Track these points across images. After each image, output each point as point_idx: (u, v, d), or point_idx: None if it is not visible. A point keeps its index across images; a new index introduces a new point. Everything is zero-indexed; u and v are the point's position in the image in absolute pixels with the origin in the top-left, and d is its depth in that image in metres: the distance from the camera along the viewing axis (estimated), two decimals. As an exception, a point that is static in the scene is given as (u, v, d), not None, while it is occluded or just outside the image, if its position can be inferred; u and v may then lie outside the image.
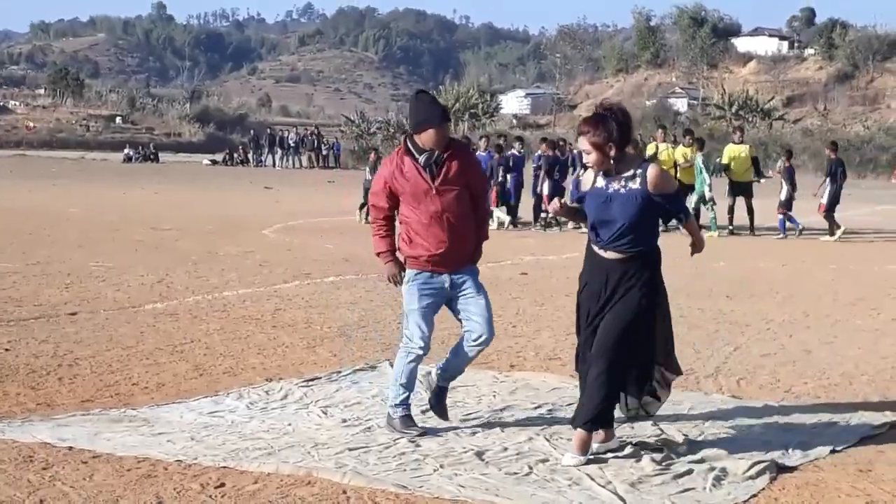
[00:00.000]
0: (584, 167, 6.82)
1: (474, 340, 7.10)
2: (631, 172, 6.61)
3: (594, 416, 6.54)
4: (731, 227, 23.74)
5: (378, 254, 7.25)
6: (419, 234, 7.02)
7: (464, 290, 7.08)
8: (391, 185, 7.05)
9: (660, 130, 27.20)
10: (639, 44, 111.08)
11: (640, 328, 6.58)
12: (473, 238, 7.15)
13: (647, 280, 6.61)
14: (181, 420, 7.33)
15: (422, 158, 6.98)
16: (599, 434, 6.70)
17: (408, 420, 7.13)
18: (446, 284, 7.07)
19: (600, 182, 6.70)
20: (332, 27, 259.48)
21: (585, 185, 6.83)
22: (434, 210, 6.95)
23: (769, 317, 12.36)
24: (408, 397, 7.17)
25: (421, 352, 7.10)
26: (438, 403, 7.35)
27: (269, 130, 71.41)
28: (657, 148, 25.04)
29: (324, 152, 66.36)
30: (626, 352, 6.54)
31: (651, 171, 6.62)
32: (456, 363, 7.25)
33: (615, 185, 6.62)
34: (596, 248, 6.71)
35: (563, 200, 7.05)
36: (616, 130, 6.56)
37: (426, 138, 6.96)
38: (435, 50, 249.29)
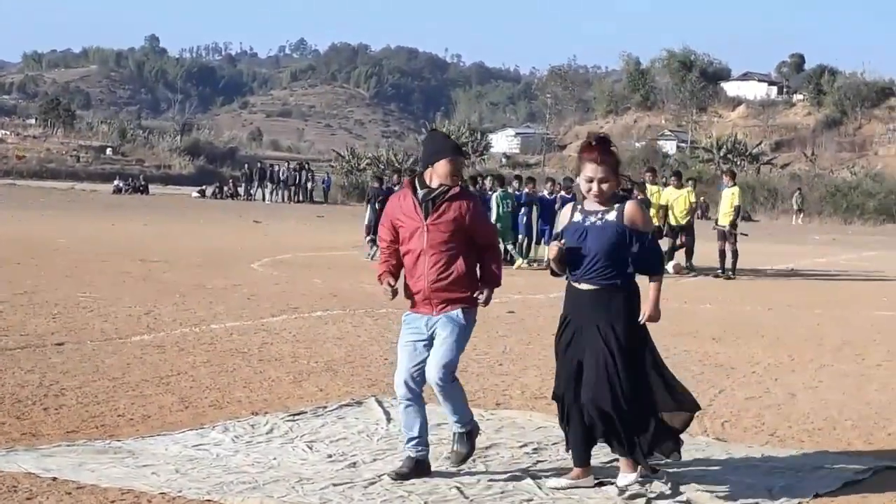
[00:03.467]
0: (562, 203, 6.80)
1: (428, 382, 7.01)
2: (609, 207, 6.64)
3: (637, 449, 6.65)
4: (718, 271, 23.82)
5: (378, 276, 7.23)
6: (409, 272, 7.04)
7: (437, 331, 6.97)
8: (393, 220, 7.10)
9: (648, 173, 27.15)
10: (629, 86, 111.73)
11: (627, 362, 6.54)
12: (460, 285, 6.96)
13: (626, 314, 6.59)
14: (166, 452, 7.33)
15: (420, 194, 6.99)
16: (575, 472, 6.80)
17: (406, 461, 6.97)
18: (425, 325, 6.98)
19: (577, 217, 6.72)
20: (325, 63, 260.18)
21: (562, 222, 6.84)
22: (421, 248, 6.93)
23: (754, 360, 12.38)
24: (410, 438, 6.97)
25: (400, 390, 6.96)
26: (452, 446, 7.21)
27: (259, 164, 71.49)
28: (648, 189, 25.14)
29: (309, 186, 66.20)
30: (621, 386, 6.50)
31: (629, 205, 6.63)
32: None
33: (591, 219, 6.64)
34: (572, 282, 6.71)
35: (562, 242, 6.74)
36: (618, 161, 6.65)
37: (439, 170, 6.95)
38: (426, 88, 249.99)
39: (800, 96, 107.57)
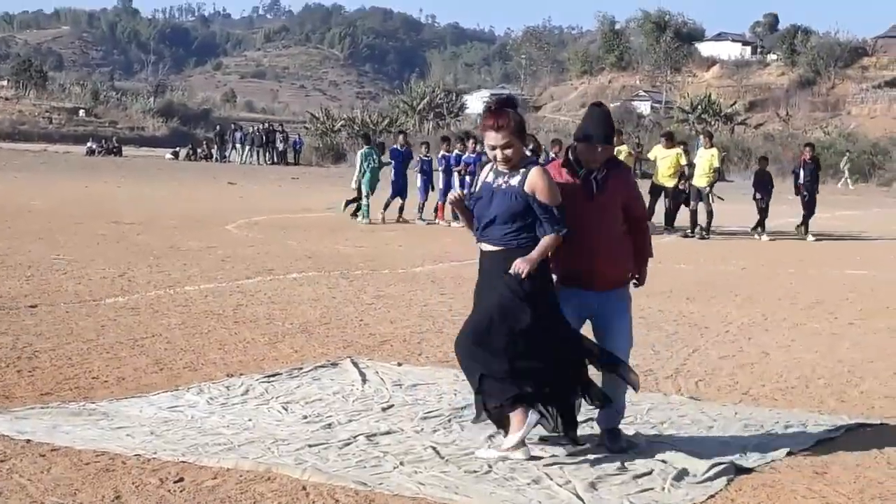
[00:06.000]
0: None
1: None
2: (516, 172, 6.52)
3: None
4: (688, 231, 23.93)
5: None
6: (563, 250, 6.68)
7: (606, 312, 6.87)
8: None
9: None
10: (603, 47, 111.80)
11: (510, 321, 6.44)
12: (625, 261, 6.94)
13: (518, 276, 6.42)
14: (141, 414, 7.31)
15: (582, 172, 6.84)
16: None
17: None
18: (591, 302, 6.85)
19: (490, 177, 6.64)
20: (299, 24, 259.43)
21: (479, 181, 6.76)
22: (583, 225, 6.68)
23: (728, 319, 12.44)
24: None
25: None
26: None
27: (233, 126, 71.08)
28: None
29: (280, 148, 65.73)
30: (488, 340, 6.43)
31: (533, 172, 6.47)
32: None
33: (500, 181, 6.55)
34: (475, 241, 6.71)
35: (462, 193, 6.74)
36: (519, 123, 6.54)
37: (581, 151, 6.86)
38: (401, 49, 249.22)
39: (773, 56, 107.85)
